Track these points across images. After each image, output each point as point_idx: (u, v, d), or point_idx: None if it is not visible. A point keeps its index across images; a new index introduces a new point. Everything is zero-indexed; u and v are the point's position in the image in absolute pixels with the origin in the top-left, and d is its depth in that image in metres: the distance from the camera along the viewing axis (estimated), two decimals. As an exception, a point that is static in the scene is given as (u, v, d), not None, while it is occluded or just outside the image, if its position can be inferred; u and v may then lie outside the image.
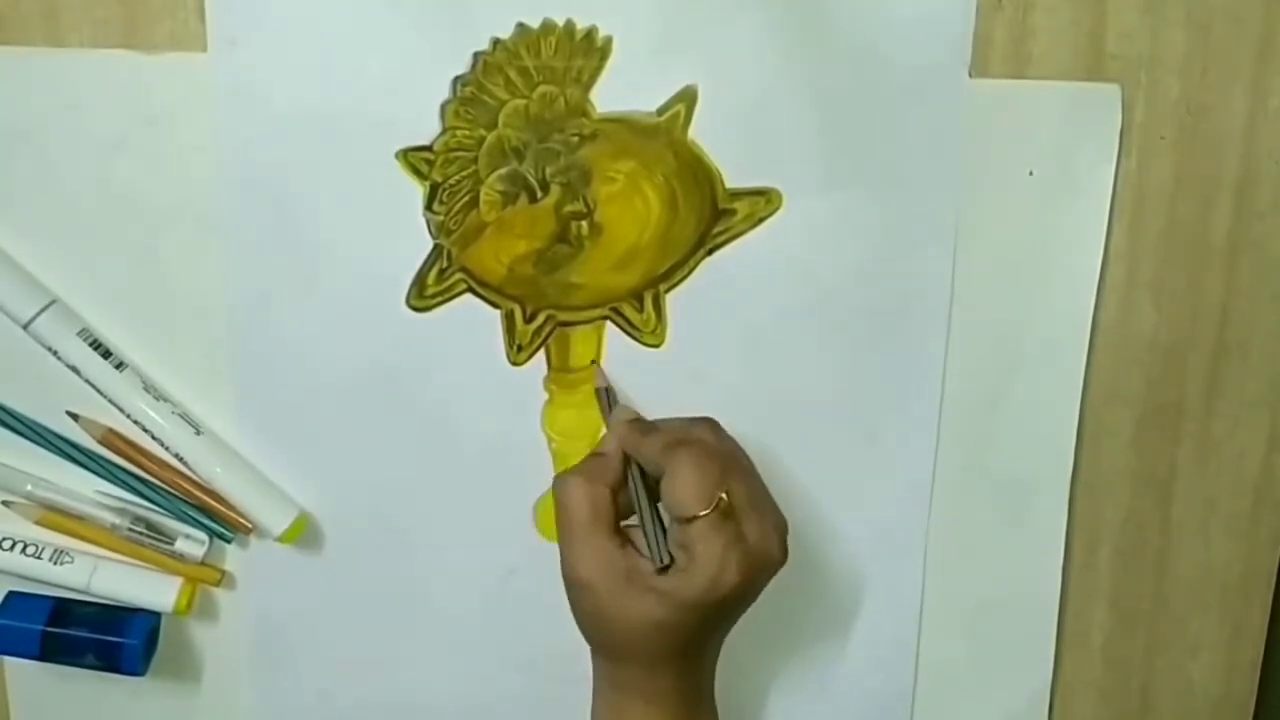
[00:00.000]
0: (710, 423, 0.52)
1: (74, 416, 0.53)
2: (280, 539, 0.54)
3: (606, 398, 0.54)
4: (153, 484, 0.54)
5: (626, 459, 0.50)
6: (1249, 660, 0.61)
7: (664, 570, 0.47)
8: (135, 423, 0.53)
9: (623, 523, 0.50)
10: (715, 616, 0.48)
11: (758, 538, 0.47)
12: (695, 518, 0.46)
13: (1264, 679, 0.62)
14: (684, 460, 0.48)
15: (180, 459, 0.53)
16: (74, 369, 0.52)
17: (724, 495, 0.47)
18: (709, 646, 0.50)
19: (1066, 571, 0.59)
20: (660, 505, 0.49)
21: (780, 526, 0.49)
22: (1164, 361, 0.57)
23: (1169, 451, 0.58)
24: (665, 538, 0.48)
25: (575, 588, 0.49)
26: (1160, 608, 0.61)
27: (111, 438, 0.53)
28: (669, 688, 0.49)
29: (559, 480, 0.50)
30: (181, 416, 0.53)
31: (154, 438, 0.53)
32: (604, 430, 0.53)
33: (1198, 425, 0.58)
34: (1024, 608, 0.60)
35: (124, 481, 0.54)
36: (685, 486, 0.47)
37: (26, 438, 0.53)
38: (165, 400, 0.53)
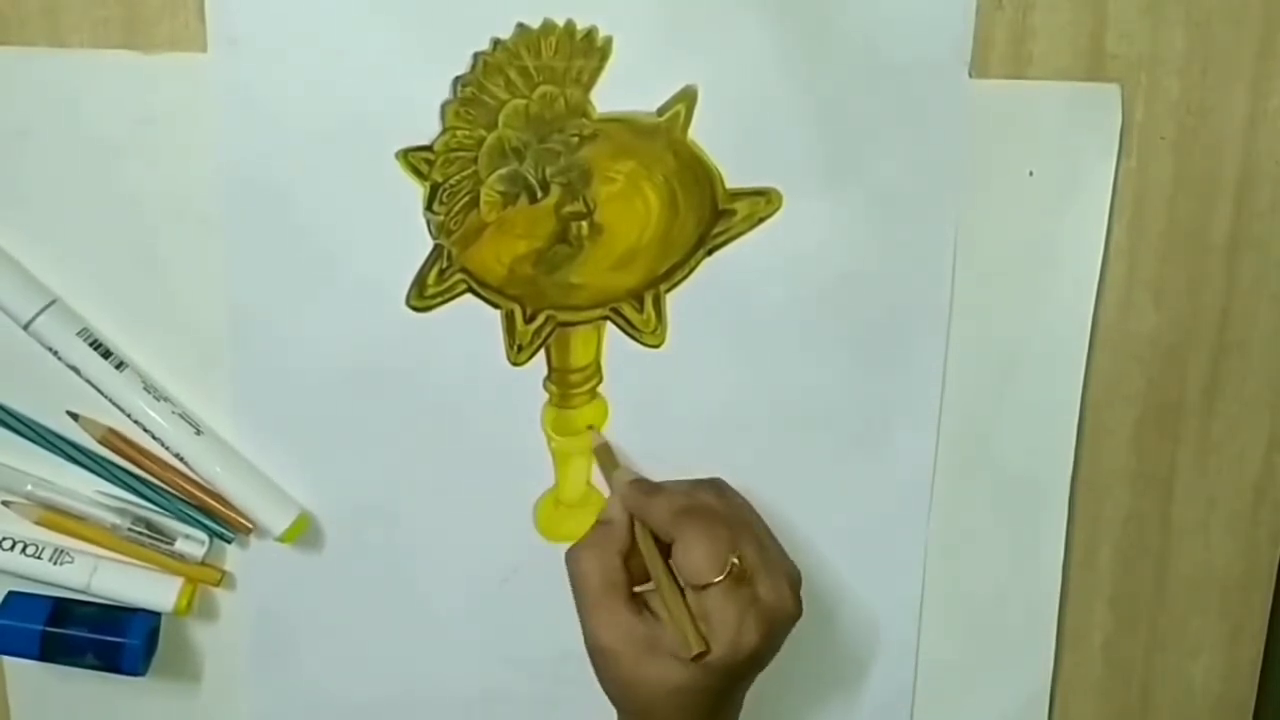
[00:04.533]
0: (716, 484, 0.52)
1: (74, 416, 0.53)
2: (281, 539, 0.54)
3: (607, 456, 0.54)
4: (153, 484, 0.54)
5: (632, 523, 0.51)
6: (1249, 660, 0.61)
7: (699, 658, 0.46)
8: (135, 422, 0.53)
9: (637, 588, 0.50)
10: (738, 677, 0.48)
11: (772, 596, 0.48)
12: (709, 585, 0.47)
13: (1264, 679, 0.62)
14: (693, 528, 0.48)
15: (180, 459, 0.53)
16: (74, 369, 0.52)
17: (736, 560, 0.47)
18: (733, 705, 0.50)
19: (1066, 571, 0.59)
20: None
21: (792, 578, 0.50)
22: (1164, 361, 0.57)
23: (1169, 451, 0.58)
24: (694, 622, 0.47)
25: (597, 655, 0.49)
26: (1160, 608, 0.61)
27: (112, 438, 0.53)
28: None
29: (569, 553, 0.51)
30: (181, 416, 0.53)
31: (154, 437, 0.53)
32: (607, 493, 0.54)
33: (1198, 425, 0.58)
34: (1024, 608, 0.59)
35: (124, 481, 0.54)
36: (697, 555, 0.48)
37: (26, 438, 0.53)
38: (165, 400, 0.53)
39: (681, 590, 0.48)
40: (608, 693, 0.49)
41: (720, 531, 0.48)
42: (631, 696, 0.49)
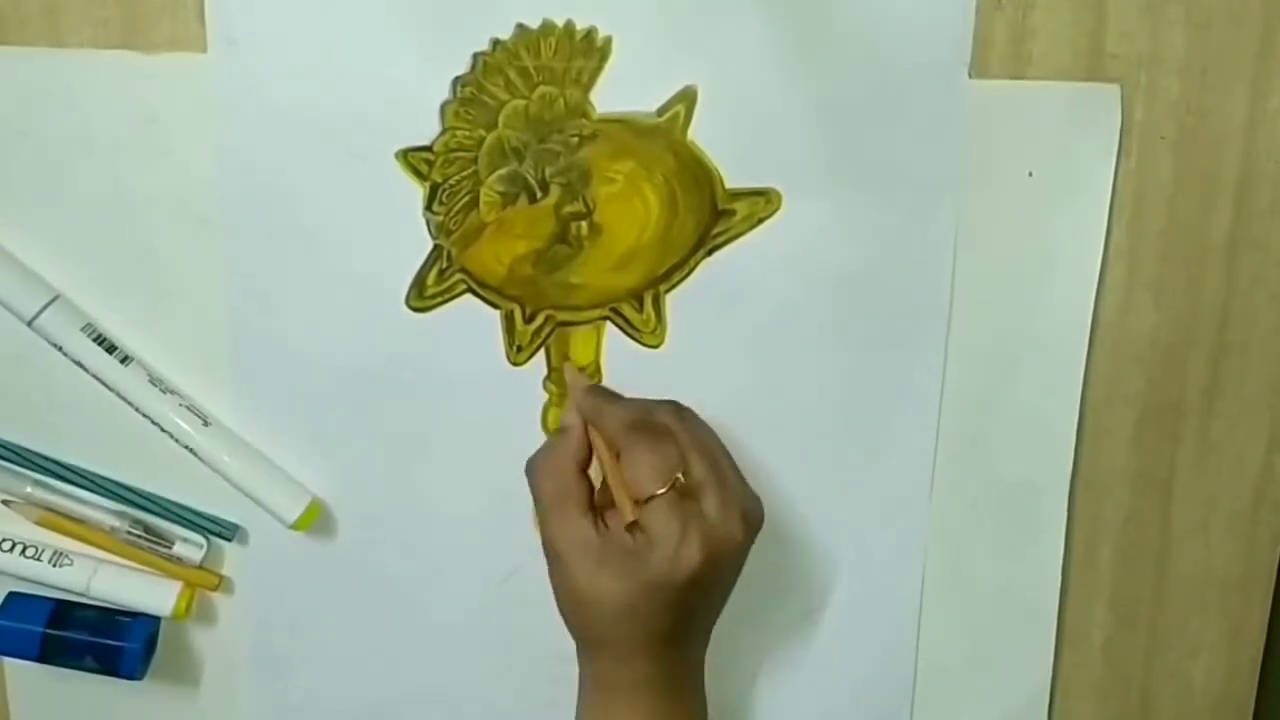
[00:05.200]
0: (673, 406, 0.52)
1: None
2: (294, 526, 0.53)
3: (576, 379, 0.54)
4: (147, 491, 0.54)
5: (588, 431, 0.51)
6: (1249, 660, 0.61)
7: (629, 528, 0.47)
8: (143, 415, 0.52)
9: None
10: (684, 598, 0.47)
11: (718, 517, 0.47)
12: (652, 497, 0.47)
13: (1264, 679, 0.62)
14: (640, 442, 0.48)
15: (190, 450, 0.53)
16: (79, 364, 0.52)
17: (680, 476, 0.47)
18: (688, 633, 0.49)
19: (1066, 571, 0.59)
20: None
21: (748, 509, 0.49)
22: (1164, 361, 0.57)
23: (1169, 451, 0.58)
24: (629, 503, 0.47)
25: (551, 560, 0.49)
26: (1160, 608, 0.61)
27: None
28: (650, 675, 0.48)
29: (528, 462, 0.51)
30: (189, 408, 0.53)
31: (163, 430, 0.52)
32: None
33: (1198, 425, 0.58)
34: (1024, 608, 0.59)
35: (118, 495, 0.54)
36: (641, 468, 0.48)
37: (13, 463, 0.54)
38: (173, 393, 0.53)
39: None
40: (561, 612, 0.49)
41: (668, 448, 0.48)
42: (581, 612, 0.48)
